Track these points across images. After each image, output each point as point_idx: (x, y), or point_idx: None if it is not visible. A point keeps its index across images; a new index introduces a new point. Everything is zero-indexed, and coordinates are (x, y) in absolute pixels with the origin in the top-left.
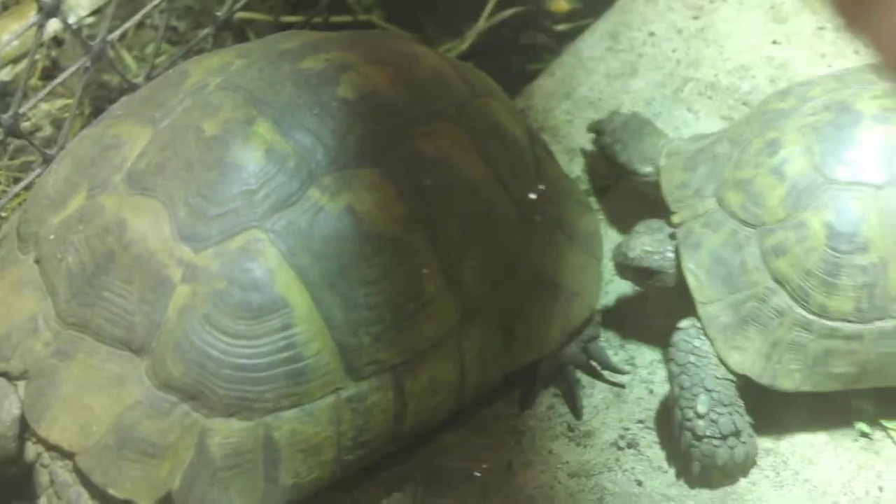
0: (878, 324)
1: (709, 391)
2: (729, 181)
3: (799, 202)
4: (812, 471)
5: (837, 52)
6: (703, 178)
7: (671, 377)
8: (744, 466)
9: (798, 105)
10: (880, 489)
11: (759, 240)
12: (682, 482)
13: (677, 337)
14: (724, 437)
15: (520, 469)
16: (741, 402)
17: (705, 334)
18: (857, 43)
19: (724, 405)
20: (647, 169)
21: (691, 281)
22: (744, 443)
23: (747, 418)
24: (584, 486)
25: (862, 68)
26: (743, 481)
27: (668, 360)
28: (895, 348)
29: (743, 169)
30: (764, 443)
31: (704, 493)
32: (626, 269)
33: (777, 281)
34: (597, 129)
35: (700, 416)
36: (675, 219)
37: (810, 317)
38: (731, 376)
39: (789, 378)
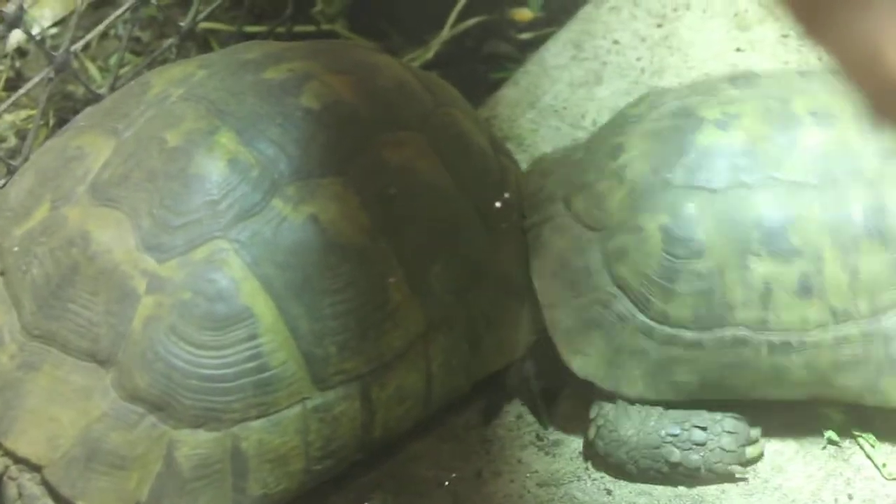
0: (717, 332)
1: (656, 449)
2: (576, 185)
3: (637, 205)
4: (781, 478)
5: (801, 60)
6: (556, 182)
7: (633, 468)
8: (740, 454)
9: (647, 111)
10: (849, 497)
11: (601, 244)
12: (651, 491)
13: (591, 433)
14: (700, 445)
15: (490, 478)
16: (689, 414)
17: (551, 337)
18: (819, 51)
19: (676, 435)
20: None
21: (537, 284)
22: (723, 436)
23: (708, 419)
24: (553, 496)
25: (720, 78)
26: (712, 489)
27: (602, 454)
28: (734, 358)
29: (588, 173)
30: None
31: (675, 502)
32: None
33: (619, 286)
34: None
35: (680, 464)
36: (526, 223)
37: (651, 323)
38: (668, 418)
39: (632, 385)
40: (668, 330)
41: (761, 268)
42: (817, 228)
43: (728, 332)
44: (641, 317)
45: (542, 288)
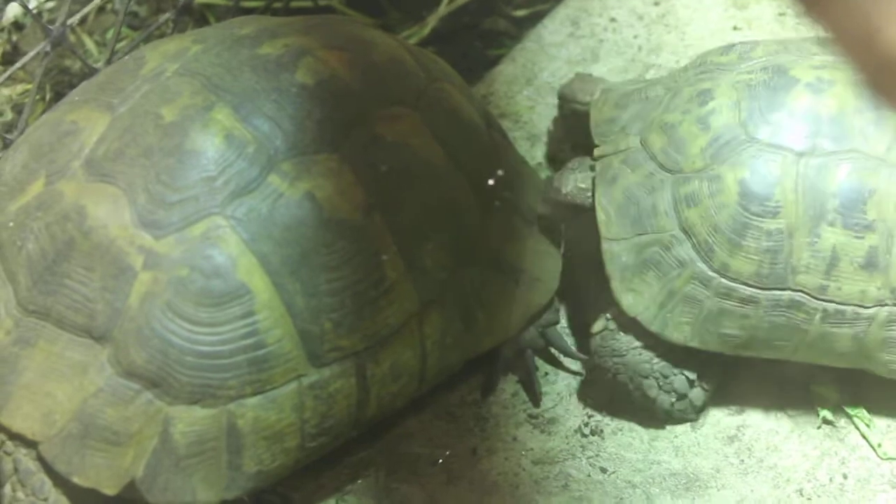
0: (776, 292)
1: (644, 377)
2: (655, 123)
3: (718, 155)
4: (776, 458)
5: (798, 38)
6: (632, 116)
7: (612, 380)
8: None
9: (737, 61)
10: (844, 476)
11: (673, 186)
12: (646, 469)
13: (595, 344)
14: (684, 396)
15: (484, 455)
16: (672, 361)
17: (605, 270)
18: (817, 29)
19: (665, 377)
20: (586, 98)
21: (600, 215)
22: (704, 384)
23: (686, 370)
24: (548, 473)
25: (808, 39)
26: (707, 468)
27: (597, 367)
28: (786, 320)
29: (671, 113)
30: (728, 430)
31: (669, 480)
32: (557, 204)
33: (684, 230)
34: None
35: (654, 400)
36: (597, 152)
37: (710, 273)
38: (654, 349)
39: (679, 330)
40: (726, 282)
41: (832, 237)
42: (894, 207)
43: (786, 294)
44: (701, 265)
45: (606, 219)
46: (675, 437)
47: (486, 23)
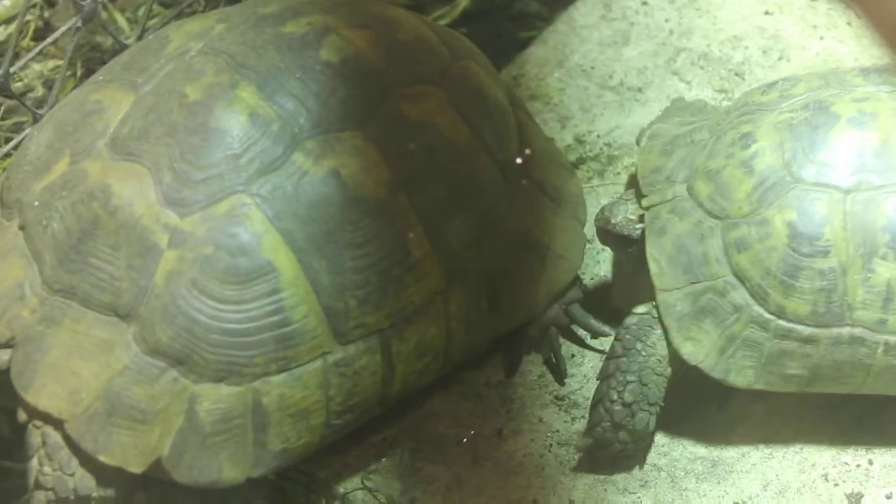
0: (835, 330)
1: (643, 384)
2: (700, 170)
3: (765, 198)
4: (802, 442)
5: (830, 23)
6: (678, 163)
7: (611, 354)
8: (627, 462)
9: (778, 100)
10: (870, 462)
11: (722, 232)
12: (670, 452)
13: (630, 321)
14: (630, 433)
15: (510, 436)
16: (662, 404)
17: (660, 322)
18: (850, 14)
19: (650, 404)
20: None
21: (652, 267)
22: (638, 445)
23: (654, 425)
24: (574, 455)
25: (849, 70)
26: (732, 452)
27: (615, 338)
28: (849, 356)
29: (714, 158)
30: (756, 415)
31: (694, 464)
32: (606, 234)
33: (737, 276)
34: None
35: (625, 405)
36: (645, 202)
37: (767, 316)
38: (667, 374)
39: (742, 374)
40: (783, 324)
41: (886, 271)
42: None
43: (845, 331)
44: (758, 308)
45: (658, 271)
46: (702, 420)
47: (518, 4)
